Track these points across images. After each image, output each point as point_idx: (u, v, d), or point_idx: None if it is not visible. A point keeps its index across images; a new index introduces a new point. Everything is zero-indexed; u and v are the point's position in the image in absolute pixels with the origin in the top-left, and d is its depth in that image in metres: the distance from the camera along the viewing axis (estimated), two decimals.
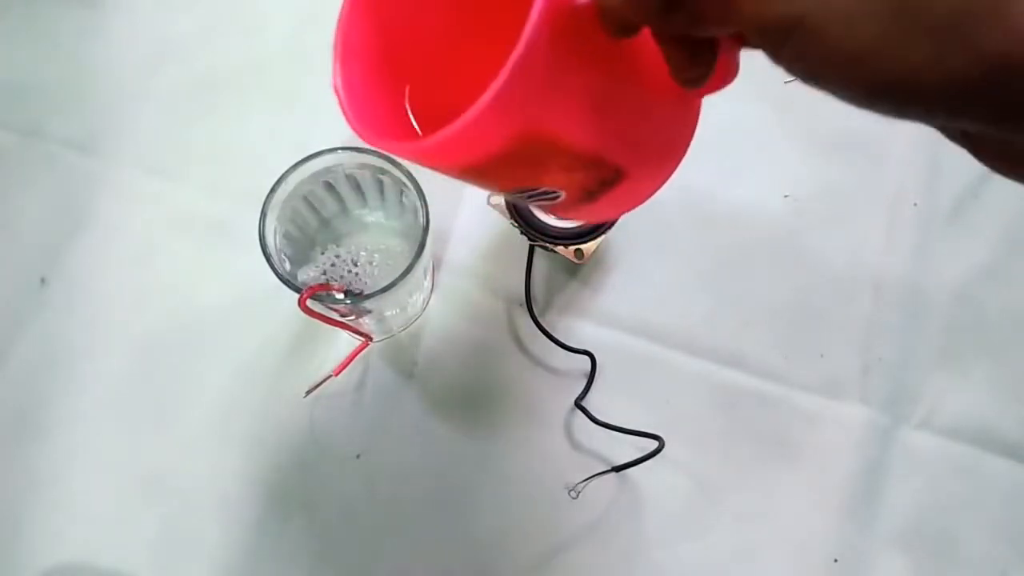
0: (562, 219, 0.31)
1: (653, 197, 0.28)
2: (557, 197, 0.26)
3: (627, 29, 0.22)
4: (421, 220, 0.36)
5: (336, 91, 0.24)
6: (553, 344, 0.43)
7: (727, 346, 0.45)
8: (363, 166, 0.38)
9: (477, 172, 0.24)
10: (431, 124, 0.25)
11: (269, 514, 0.42)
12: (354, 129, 0.24)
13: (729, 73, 0.23)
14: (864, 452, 0.43)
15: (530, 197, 0.26)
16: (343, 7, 0.25)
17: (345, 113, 0.24)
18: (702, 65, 0.22)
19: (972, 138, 0.20)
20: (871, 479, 0.43)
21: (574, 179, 0.25)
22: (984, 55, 0.15)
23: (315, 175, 0.38)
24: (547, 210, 0.29)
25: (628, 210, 0.28)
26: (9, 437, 0.43)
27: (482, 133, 0.21)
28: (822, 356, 0.45)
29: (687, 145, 0.26)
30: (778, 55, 0.18)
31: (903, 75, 0.16)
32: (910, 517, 0.43)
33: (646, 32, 0.23)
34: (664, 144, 0.26)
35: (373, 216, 0.43)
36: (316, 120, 0.47)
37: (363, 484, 0.42)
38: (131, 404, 0.43)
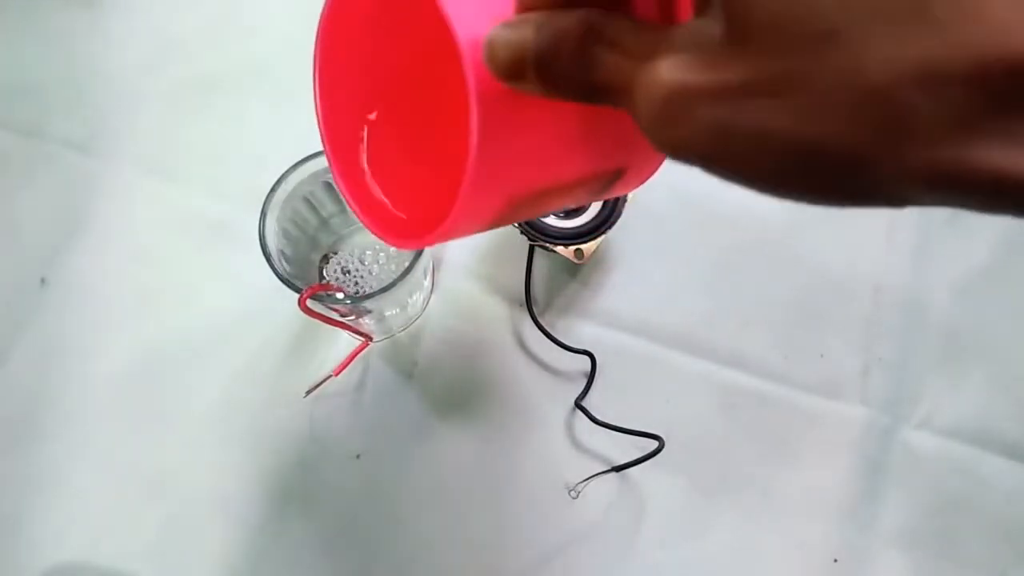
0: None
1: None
2: (566, 208, 0.26)
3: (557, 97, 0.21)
4: None
5: (351, 205, 0.26)
6: (553, 344, 0.43)
7: (727, 346, 0.45)
8: None
9: (485, 229, 0.24)
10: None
11: (269, 514, 0.42)
12: (378, 235, 0.26)
13: None
14: (864, 452, 0.43)
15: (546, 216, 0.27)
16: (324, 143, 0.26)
17: (367, 223, 0.26)
18: None
19: None
20: (871, 479, 0.43)
21: (576, 195, 0.25)
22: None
23: (315, 175, 0.38)
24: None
25: (638, 186, 0.28)
26: (9, 437, 0.43)
27: (467, 221, 0.21)
28: (822, 356, 0.45)
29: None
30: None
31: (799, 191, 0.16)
32: (910, 517, 0.43)
33: None
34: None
35: None
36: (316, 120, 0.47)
37: (363, 484, 0.42)
38: (131, 404, 0.43)
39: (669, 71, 0.15)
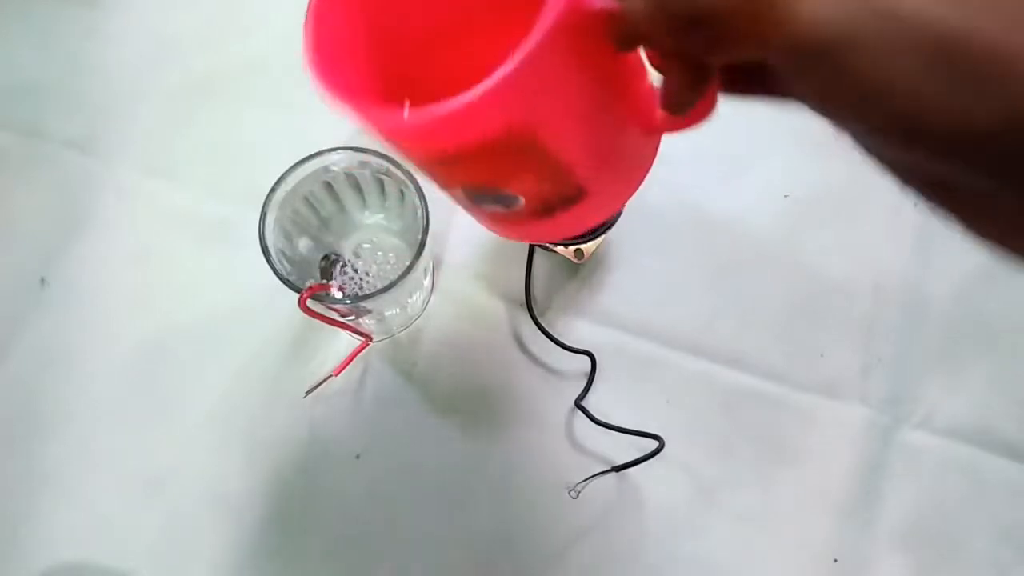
0: (506, 236, 0.30)
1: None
2: (514, 204, 0.25)
3: (635, 41, 0.21)
4: (421, 220, 0.36)
5: (307, 52, 0.23)
6: (553, 344, 0.43)
7: (727, 346, 0.45)
8: (363, 165, 0.38)
9: (452, 160, 0.23)
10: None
11: (269, 514, 0.42)
12: (333, 95, 0.22)
13: (711, 106, 0.23)
14: (864, 452, 0.43)
15: (489, 200, 0.25)
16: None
17: (319, 80, 0.23)
18: (697, 91, 0.22)
19: (949, 193, 0.19)
20: (871, 479, 0.43)
21: (540, 189, 0.25)
22: (1012, 107, 0.15)
23: (315, 175, 0.38)
24: (495, 223, 0.28)
25: (574, 234, 0.29)
26: (9, 437, 0.43)
27: (479, 117, 0.21)
28: (822, 356, 0.45)
29: (642, 180, 0.27)
30: (800, 81, 0.18)
31: (926, 114, 0.16)
32: (910, 517, 0.43)
33: (633, 58, 0.23)
34: (626, 172, 0.27)
35: (373, 216, 0.43)
36: (316, 120, 0.47)
37: (363, 484, 0.42)
38: (131, 404, 0.43)
39: None
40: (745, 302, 0.46)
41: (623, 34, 0.21)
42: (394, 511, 0.42)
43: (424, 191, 0.36)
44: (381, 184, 0.40)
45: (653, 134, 0.26)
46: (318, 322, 0.36)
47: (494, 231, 0.29)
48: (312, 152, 0.37)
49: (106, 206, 0.46)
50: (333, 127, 0.46)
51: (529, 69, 0.20)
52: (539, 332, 0.43)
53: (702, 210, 0.47)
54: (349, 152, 0.37)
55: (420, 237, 0.36)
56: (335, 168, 0.38)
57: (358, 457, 0.43)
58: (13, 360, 0.44)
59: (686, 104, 0.22)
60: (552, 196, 0.25)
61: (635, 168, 0.27)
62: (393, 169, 0.37)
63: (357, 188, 0.40)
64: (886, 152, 0.19)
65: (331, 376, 0.42)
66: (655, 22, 0.19)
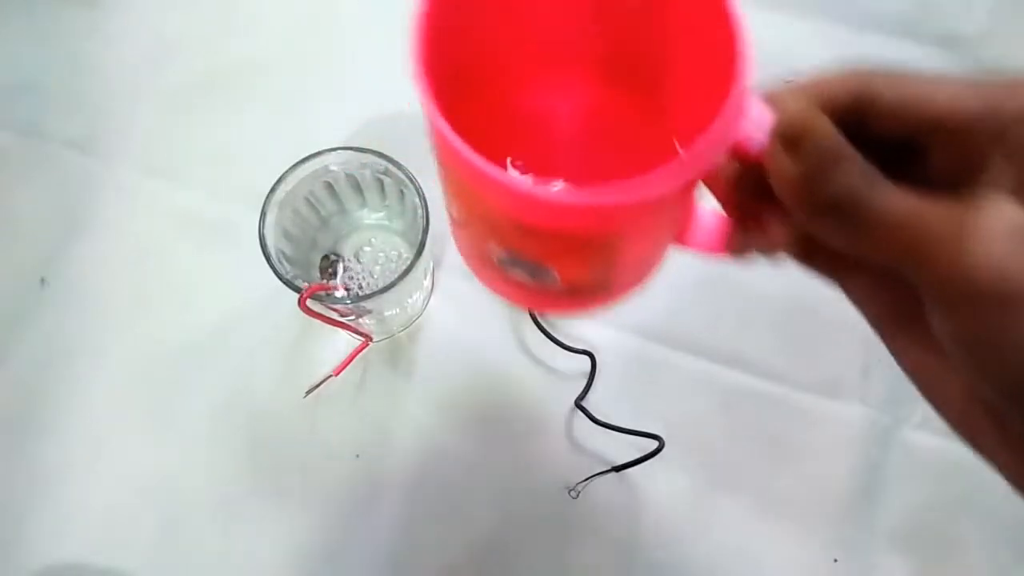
0: (508, 297, 0.28)
1: None
2: (547, 280, 0.23)
3: (752, 194, 0.20)
4: (421, 220, 0.36)
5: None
6: (553, 344, 0.43)
7: (727, 346, 0.45)
8: (363, 166, 0.38)
9: (525, 232, 0.21)
10: None
11: (268, 514, 0.42)
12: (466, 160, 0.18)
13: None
14: (864, 452, 0.43)
15: (524, 269, 0.24)
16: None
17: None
18: (773, 249, 0.21)
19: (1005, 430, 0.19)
20: (871, 479, 0.43)
21: (582, 277, 0.24)
22: None
23: (315, 175, 0.38)
24: (507, 286, 0.27)
25: (573, 313, 0.28)
26: (9, 437, 0.43)
27: (593, 218, 0.19)
28: (822, 356, 0.45)
29: (643, 284, 0.27)
30: (945, 316, 0.17)
31: None
32: (910, 517, 0.43)
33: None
34: (647, 275, 0.26)
35: (373, 216, 0.43)
36: (316, 120, 0.47)
37: (363, 484, 0.42)
38: (131, 404, 0.43)
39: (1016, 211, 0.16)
40: (745, 302, 0.46)
41: (749, 186, 0.20)
42: (394, 511, 0.42)
43: (424, 191, 0.36)
44: (381, 184, 0.40)
45: (681, 246, 0.25)
46: (318, 322, 0.36)
47: (496, 289, 0.27)
48: (312, 152, 0.37)
49: (106, 206, 0.46)
50: (333, 127, 0.46)
51: (668, 197, 0.19)
52: (539, 332, 0.43)
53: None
54: (349, 152, 0.37)
55: (420, 237, 0.36)
56: (335, 168, 0.38)
57: (358, 457, 0.43)
58: (13, 360, 0.44)
59: (749, 251, 0.22)
60: (588, 284, 0.24)
61: (654, 271, 0.26)
62: (393, 169, 0.37)
63: (357, 188, 0.40)
64: (985, 400, 0.18)
65: (331, 376, 0.42)
66: (802, 197, 0.18)
